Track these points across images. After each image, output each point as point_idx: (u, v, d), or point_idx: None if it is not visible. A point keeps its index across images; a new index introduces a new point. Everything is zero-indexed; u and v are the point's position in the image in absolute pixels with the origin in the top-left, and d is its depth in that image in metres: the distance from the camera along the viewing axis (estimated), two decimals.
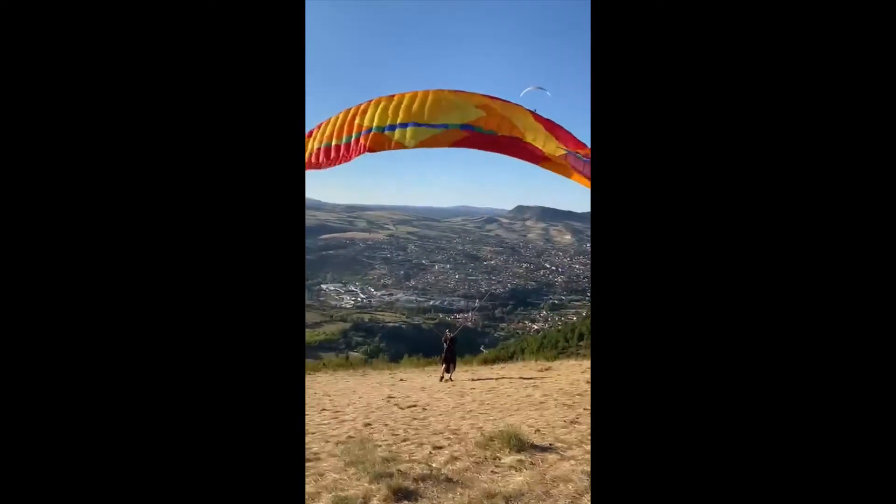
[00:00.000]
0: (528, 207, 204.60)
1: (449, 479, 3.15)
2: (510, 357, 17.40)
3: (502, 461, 3.50)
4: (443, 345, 9.64)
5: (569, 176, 4.77)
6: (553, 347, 38.28)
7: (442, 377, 9.35)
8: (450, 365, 9.41)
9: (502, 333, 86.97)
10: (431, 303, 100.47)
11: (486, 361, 14.18)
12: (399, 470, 3.27)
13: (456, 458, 3.63)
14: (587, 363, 10.90)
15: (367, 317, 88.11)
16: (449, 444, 4.10)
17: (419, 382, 9.39)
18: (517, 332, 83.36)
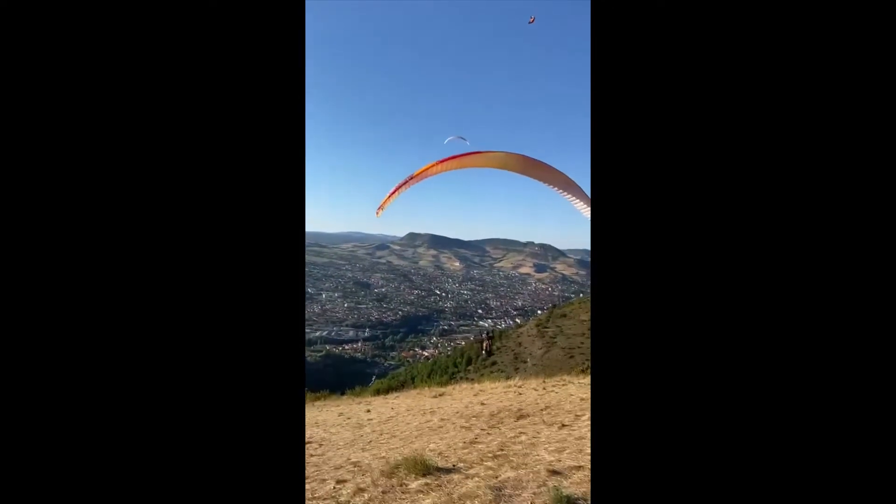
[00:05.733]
0: (419, 235, 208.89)
1: None
2: (402, 385, 17.32)
3: (409, 487, 3.53)
4: (486, 345, 14.18)
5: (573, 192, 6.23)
6: (444, 373, 39.01)
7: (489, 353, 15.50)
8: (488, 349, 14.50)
9: (392, 362, 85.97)
10: (318, 333, 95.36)
11: (378, 392, 13.92)
12: None
13: (362, 490, 3.56)
14: (479, 386, 11.41)
15: None
16: (353, 477, 3.99)
17: (311, 417, 8.87)
18: (407, 361, 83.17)
